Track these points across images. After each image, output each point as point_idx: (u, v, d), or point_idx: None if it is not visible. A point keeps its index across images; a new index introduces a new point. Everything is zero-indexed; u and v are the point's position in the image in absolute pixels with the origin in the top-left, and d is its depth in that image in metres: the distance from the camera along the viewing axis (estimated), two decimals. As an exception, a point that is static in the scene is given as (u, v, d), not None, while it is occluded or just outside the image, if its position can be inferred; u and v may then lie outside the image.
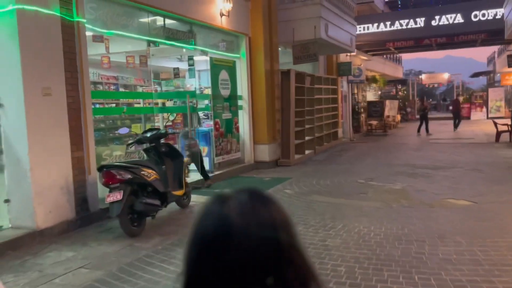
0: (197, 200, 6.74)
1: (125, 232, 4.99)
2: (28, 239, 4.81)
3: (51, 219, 5.10)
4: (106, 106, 9.45)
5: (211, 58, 8.81)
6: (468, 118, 26.23)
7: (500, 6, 15.59)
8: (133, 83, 11.46)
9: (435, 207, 5.98)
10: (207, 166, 8.50)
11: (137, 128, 8.09)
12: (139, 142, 6.00)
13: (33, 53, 4.97)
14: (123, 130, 8.70)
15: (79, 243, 4.88)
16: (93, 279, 3.84)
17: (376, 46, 21.27)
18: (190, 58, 8.45)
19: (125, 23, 6.82)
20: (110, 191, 4.96)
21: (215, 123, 8.87)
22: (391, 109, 22.26)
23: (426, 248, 4.34)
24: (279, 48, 11.22)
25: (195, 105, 8.61)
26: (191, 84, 9.55)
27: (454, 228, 4.97)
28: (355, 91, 19.81)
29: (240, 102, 9.98)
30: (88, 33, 6.01)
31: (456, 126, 19.40)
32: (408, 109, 30.59)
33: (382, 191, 7.16)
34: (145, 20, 7.33)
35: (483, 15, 17.88)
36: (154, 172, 5.47)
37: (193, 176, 7.57)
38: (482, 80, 43.76)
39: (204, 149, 8.69)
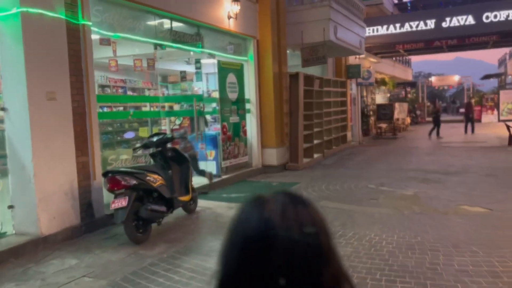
0: (204, 205, 6.63)
1: (130, 239, 4.88)
2: (31, 246, 4.72)
3: (55, 225, 5.01)
4: (114, 109, 9.39)
5: (218, 61, 8.70)
6: (479, 121, 25.83)
7: (513, 7, 15.34)
8: (140, 86, 11.43)
9: (448, 214, 5.79)
10: (214, 170, 8.41)
11: (144, 132, 8.00)
12: (145, 146, 5.91)
13: (37, 56, 4.89)
14: (129, 135, 8.63)
15: (83, 250, 4.78)
16: (96, 289, 3.74)
17: (385, 48, 21.09)
18: (198, 61, 8.36)
19: (132, 26, 6.73)
20: (115, 197, 4.87)
21: (223, 127, 8.76)
22: (400, 112, 22.00)
23: (440, 258, 4.17)
24: (288, 51, 11.08)
25: (202, 109, 8.51)
26: (199, 87, 9.45)
27: (469, 237, 4.79)
28: (364, 94, 19.60)
29: (247, 106, 9.85)
30: (95, 37, 5.93)
31: (471, 130, 18.83)
32: (418, 112, 30.25)
33: (394, 197, 6.98)
34: (152, 23, 7.25)
35: (495, 16, 17.61)
36: (160, 177, 5.37)
37: (197, 180, 7.45)
38: (493, 82, 43.15)
39: (212, 153, 8.59)
